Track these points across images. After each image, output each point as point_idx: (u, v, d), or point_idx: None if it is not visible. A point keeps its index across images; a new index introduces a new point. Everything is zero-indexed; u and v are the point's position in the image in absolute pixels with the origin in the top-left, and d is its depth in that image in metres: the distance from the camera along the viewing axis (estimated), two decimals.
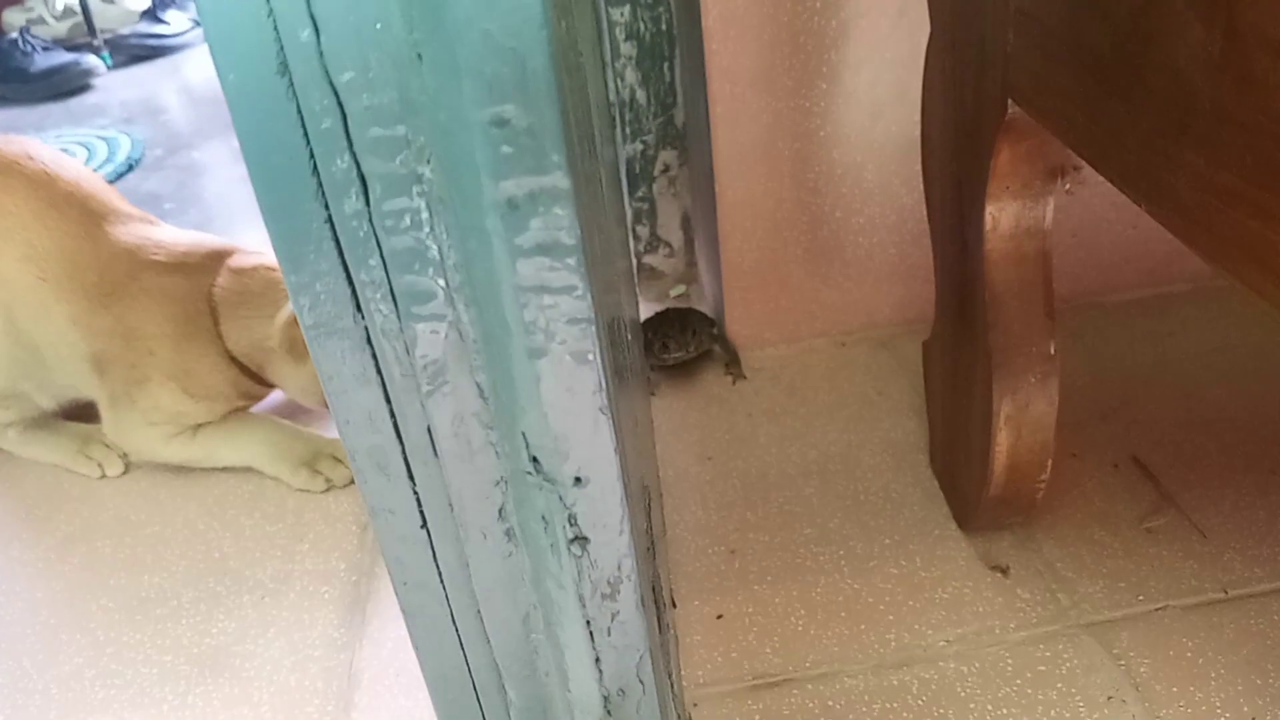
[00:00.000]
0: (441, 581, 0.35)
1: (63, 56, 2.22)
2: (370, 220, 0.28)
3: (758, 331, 0.99)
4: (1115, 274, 1.00)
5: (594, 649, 0.35)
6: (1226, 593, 0.68)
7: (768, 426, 0.88)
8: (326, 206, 0.28)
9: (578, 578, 0.33)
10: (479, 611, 0.35)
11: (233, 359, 0.86)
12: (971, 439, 0.72)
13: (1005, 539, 0.74)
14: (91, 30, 2.34)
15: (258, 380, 0.88)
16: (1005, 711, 0.62)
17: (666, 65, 0.99)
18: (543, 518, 0.32)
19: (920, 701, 0.63)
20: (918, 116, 0.73)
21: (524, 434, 0.30)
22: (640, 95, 1.01)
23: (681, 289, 1.10)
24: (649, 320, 0.96)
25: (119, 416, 0.87)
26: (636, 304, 0.94)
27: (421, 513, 0.33)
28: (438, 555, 0.34)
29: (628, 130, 1.03)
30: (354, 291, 0.29)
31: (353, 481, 0.87)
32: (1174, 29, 0.41)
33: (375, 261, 0.29)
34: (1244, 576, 0.69)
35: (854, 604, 0.70)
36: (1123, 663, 0.64)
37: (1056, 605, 0.69)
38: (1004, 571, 0.72)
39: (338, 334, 0.30)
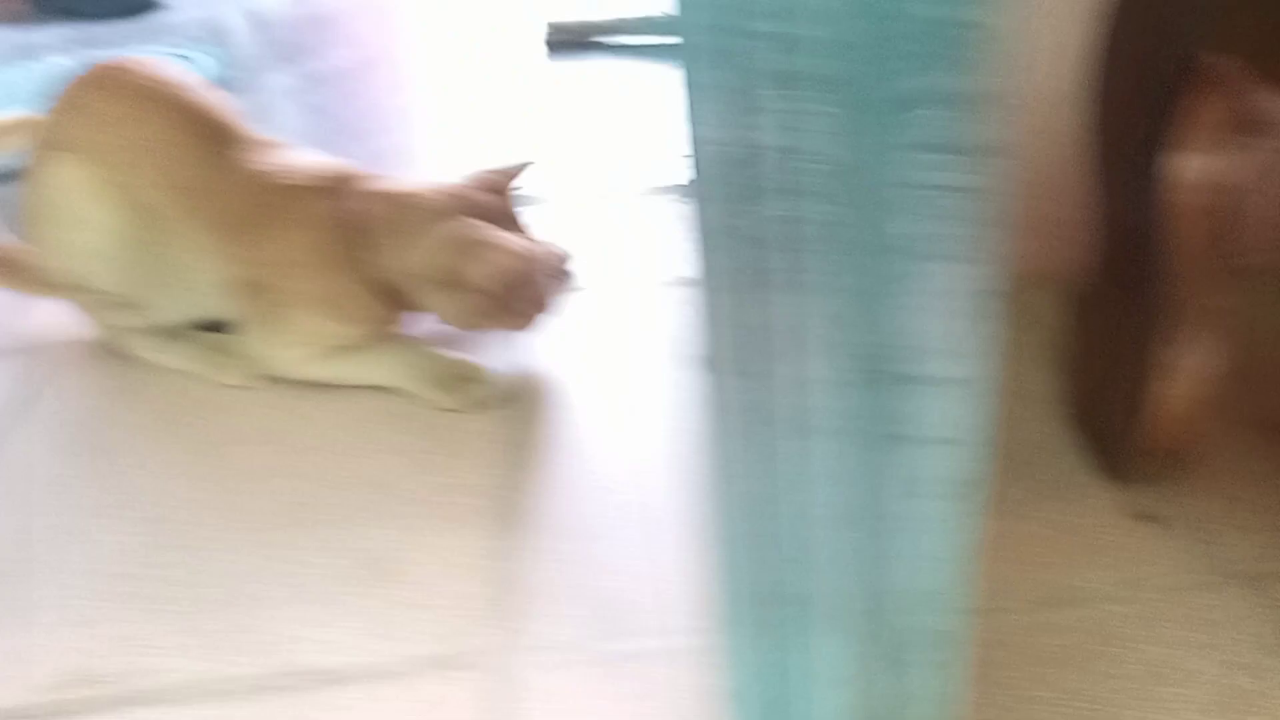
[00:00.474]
0: (775, 481, 0.36)
1: None
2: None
3: None
4: None
5: (928, 550, 0.36)
6: None
7: None
8: None
9: (913, 477, 0.34)
10: (805, 501, 0.37)
11: (375, 282, 0.86)
12: (1128, 390, 0.73)
13: (1154, 492, 0.76)
14: None
15: (400, 303, 0.89)
16: (1167, 651, 0.64)
17: None
18: (897, 417, 0.33)
19: (1080, 637, 0.65)
20: (1065, 71, 0.73)
21: (888, 332, 0.31)
22: None
23: None
24: None
25: (262, 337, 0.88)
26: None
27: (770, 408, 0.35)
28: (781, 453, 0.35)
29: None
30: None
31: (493, 403, 0.88)
32: None
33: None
34: None
35: (1008, 547, 0.72)
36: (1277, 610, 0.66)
37: (1209, 556, 0.70)
38: (1155, 520, 0.73)
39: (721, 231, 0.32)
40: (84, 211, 0.86)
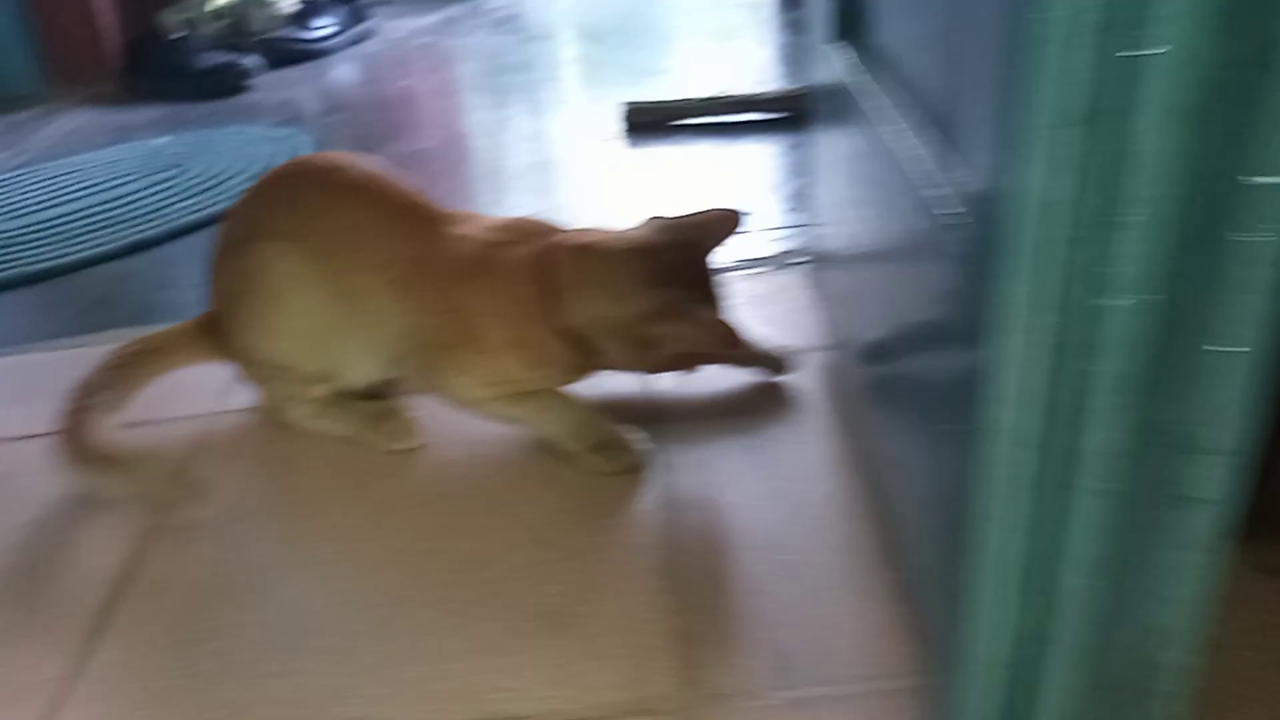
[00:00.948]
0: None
1: (223, 56, 2.34)
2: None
3: None
4: None
5: (1167, 596, 0.42)
6: None
7: None
8: None
9: (1184, 531, 0.40)
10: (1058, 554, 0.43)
11: (565, 332, 0.92)
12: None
13: (1276, 546, 0.81)
14: (245, 31, 2.45)
15: (586, 354, 0.94)
16: None
17: None
18: (1168, 479, 0.40)
19: (1216, 681, 0.70)
20: None
21: (1182, 407, 0.38)
22: None
23: None
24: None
25: (455, 375, 0.94)
26: None
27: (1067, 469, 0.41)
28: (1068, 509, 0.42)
29: None
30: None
31: (644, 469, 0.94)
32: None
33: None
34: None
35: None
36: None
37: None
38: (1277, 574, 0.79)
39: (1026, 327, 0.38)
40: (289, 296, 0.94)
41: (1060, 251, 0.37)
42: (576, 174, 1.74)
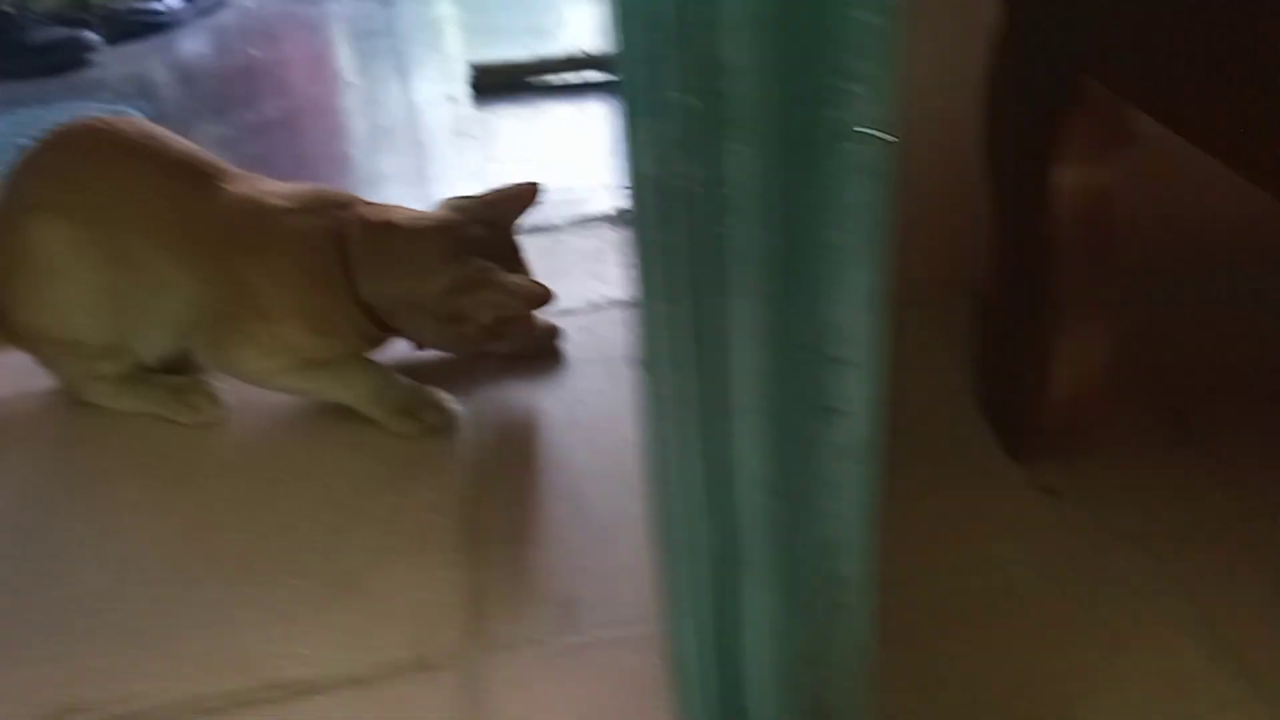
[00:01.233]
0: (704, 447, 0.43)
1: (60, 31, 2.23)
2: None
3: None
4: (1183, 248, 1.08)
5: (834, 510, 0.43)
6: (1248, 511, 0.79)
7: None
8: None
9: (834, 444, 0.41)
10: (732, 475, 0.43)
11: (360, 303, 0.91)
12: (1027, 378, 0.82)
13: (1054, 467, 0.84)
14: (86, 4, 2.34)
15: (382, 326, 0.93)
16: (1068, 607, 0.72)
17: None
18: (811, 392, 0.40)
19: (988, 597, 0.73)
20: (963, 94, 0.82)
21: (813, 321, 0.38)
22: None
23: None
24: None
25: (237, 345, 0.92)
26: None
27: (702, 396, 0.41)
28: (705, 426, 0.42)
29: None
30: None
31: (449, 429, 0.94)
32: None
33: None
34: (1267, 501, 0.80)
35: (924, 524, 0.79)
36: (1165, 562, 0.74)
37: (1103, 521, 0.78)
38: (1053, 492, 0.81)
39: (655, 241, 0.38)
40: (64, 268, 0.90)
41: (679, 183, 0.37)
42: (422, 137, 1.71)
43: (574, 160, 1.49)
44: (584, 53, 1.79)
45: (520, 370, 1.02)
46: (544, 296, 0.88)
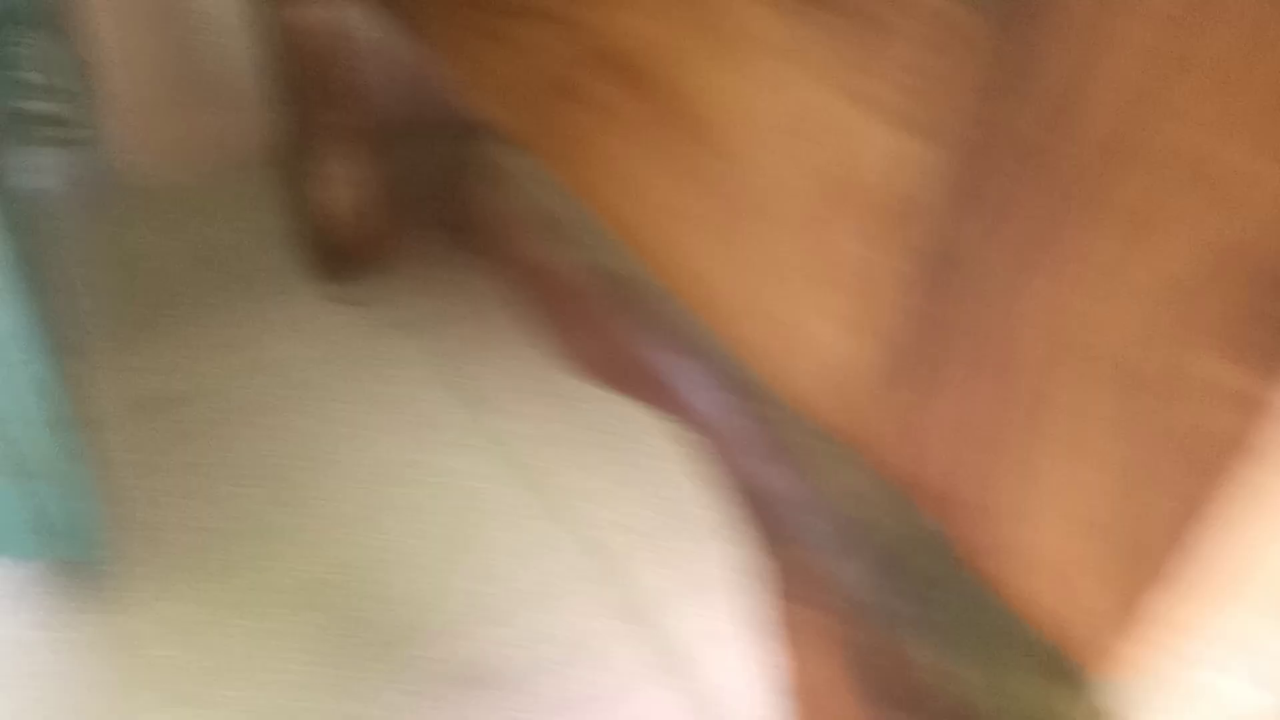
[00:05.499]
0: None
1: None
2: None
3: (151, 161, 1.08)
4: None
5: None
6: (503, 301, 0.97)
7: (159, 237, 1.01)
8: None
9: None
10: None
11: None
12: (312, 204, 0.92)
13: (352, 286, 0.96)
14: None
15: None
16: (343, 385, 0.85)
17: None
18: None
19: (279, 392, 0.84)
20: None
21: None
22: None
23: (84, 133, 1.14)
24: None
25: None
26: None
27: None
28: None
29: None
30: None
31: None
32: None
33: None
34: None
35: (220, 340, 0.88)
36: (427, 340, 0.90)
37: (380, 318, 0.93)
38: (343, 302, 0.94)
39: None
40: None
41: None
42: None
43: None
44: None
45: None
46: None
